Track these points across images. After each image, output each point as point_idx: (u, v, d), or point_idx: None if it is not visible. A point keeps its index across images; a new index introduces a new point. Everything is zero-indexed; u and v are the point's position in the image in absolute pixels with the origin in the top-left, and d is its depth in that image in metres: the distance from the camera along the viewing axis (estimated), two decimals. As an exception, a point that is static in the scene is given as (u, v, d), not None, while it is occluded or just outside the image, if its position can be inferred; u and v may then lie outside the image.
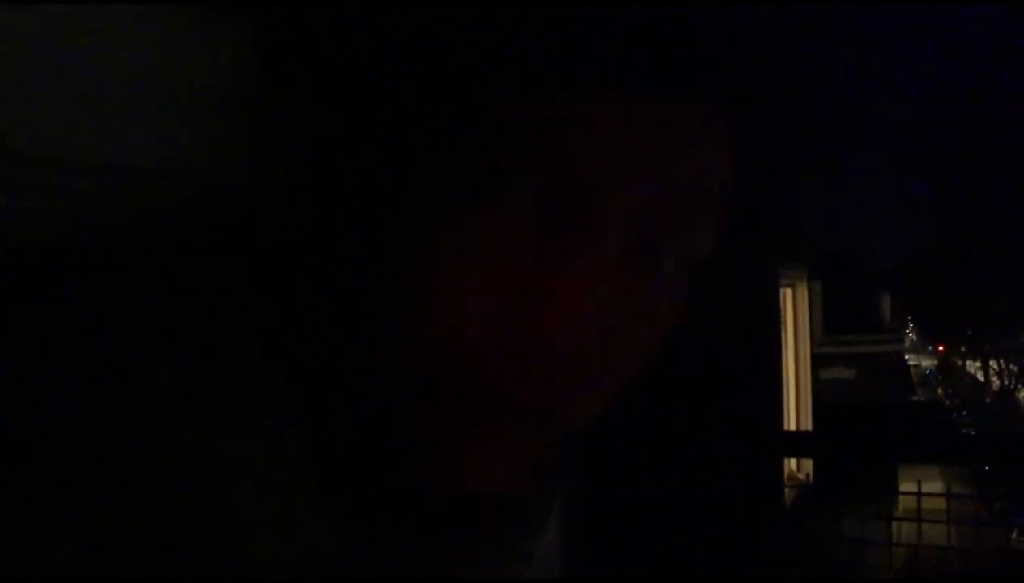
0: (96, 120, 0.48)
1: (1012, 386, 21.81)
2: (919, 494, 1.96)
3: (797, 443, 2.27)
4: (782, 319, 4.53)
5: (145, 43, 0.49)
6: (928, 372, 26.47)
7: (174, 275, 0.40)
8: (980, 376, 24.05)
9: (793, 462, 4.09)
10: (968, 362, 25.26)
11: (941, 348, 26.09)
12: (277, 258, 0.43)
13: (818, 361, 6.69)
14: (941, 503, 2.16)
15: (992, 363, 22.72)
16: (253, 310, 0.41)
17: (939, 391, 23.44)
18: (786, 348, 4.89)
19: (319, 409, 0.41)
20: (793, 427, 4.54)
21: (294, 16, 0.43)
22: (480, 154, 0.37)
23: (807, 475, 3.31)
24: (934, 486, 2.41)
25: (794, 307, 5.14)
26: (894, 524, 2.24)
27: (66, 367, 0.37)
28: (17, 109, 0.45)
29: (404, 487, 0.41)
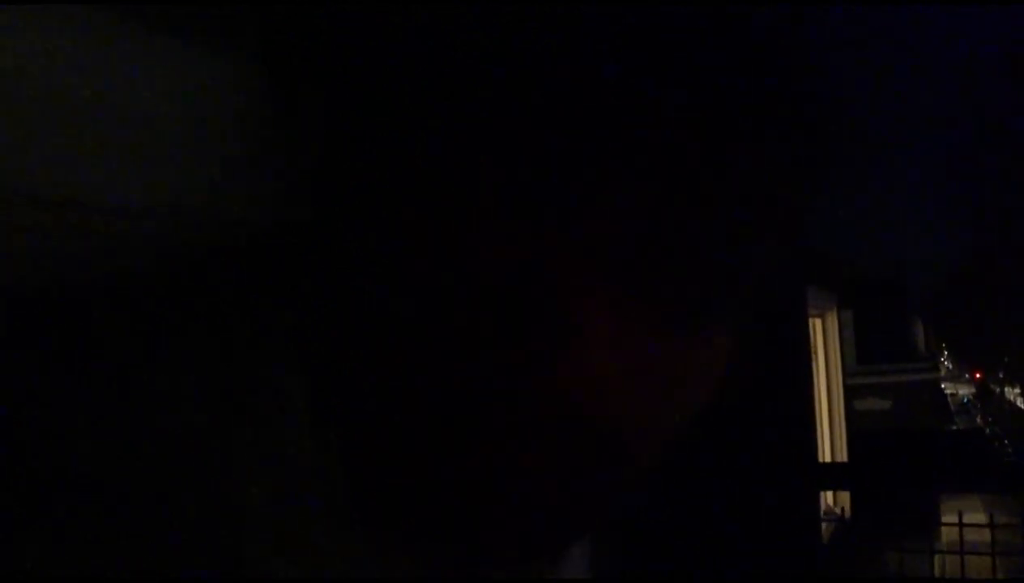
0: (105, 162, 0.48)
1: (1054, 412, 21.38)
2: (960, 525, 1.90)
3: (832, 475, 2.23)
4: (812, 349, 4.48)
5: (156, 81, 0.49)
6: (966, 400, 26.07)
7: (193, 301, 0.41)
8: (1020, 403, 23.62)
9: (830, 497, 4.02)
10: (1007, 388, 24.84)
11: (978, 375, 25.69)
12: (298, 277, 0.42)
13: (852, 392, 6.59)
14: (985, 534, 2.10)
15: (1032, 389, 22.32)
16: (269, 323, 0.41)
17: (978, 419, 23.02)
18: (818, 379, 4.83)
19: (336, 422, 0.40)
20: (828, 460, 4.46)
21: (308, 57, 0.43)
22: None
23: (843, 509, 3.24)
24: (977, 517, 2.34)
25: (824, 337, 5.07)
26: (937, 557, 2.18)
27: (84, 382, 0.37)
28: (29, 151, 0.45)
29: (420, 496, 0.40)
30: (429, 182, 0.38)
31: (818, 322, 5.02)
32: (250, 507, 0.38)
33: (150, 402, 0.37)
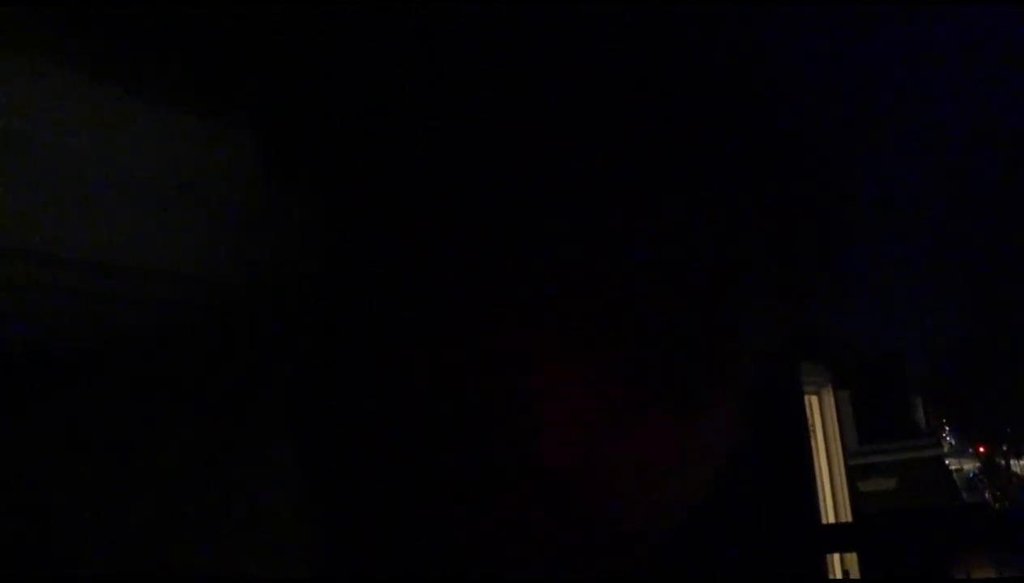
0: (105, 221, 0.51)
1: (1063, 482, 21.23)
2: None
3: (836, 537, 2.24)
4: (811, 427, 4.46)
5: (156, 148, 0.52)
6: (972, 475, 25.87)
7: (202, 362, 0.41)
8: (1027, 474, 23.48)
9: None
10: (1013, 461, 24.71)
11: (982, 449, 25.59)
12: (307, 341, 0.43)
13: (856, 473, 6.56)
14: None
15: (1038, 460, 22.23)
16: (270, 380, 0.41)
17: (986, 494, 22.79)
18: (818, 458, 4.78)
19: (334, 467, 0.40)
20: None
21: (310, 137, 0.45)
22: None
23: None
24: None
25: (822, 415, 5.04)
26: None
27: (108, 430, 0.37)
28: (32, 210, 0.47)
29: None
30: (431, 263, 0.39)
31: (814, 399, 5.00)
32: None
33: (141, 464, 0.37)
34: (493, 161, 0.38)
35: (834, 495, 5.10)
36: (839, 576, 3.55)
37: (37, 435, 0.37)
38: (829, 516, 4.66)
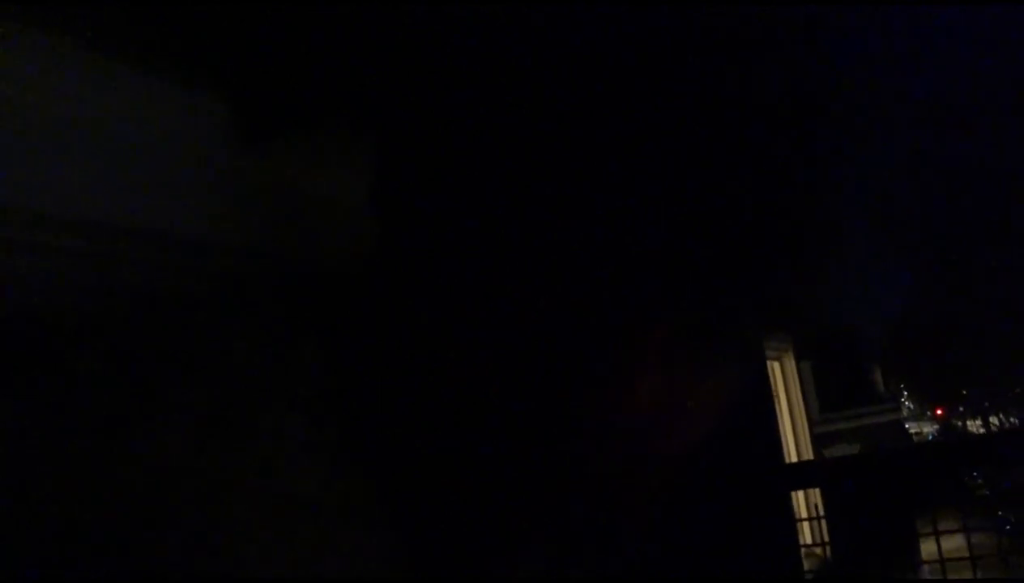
0: (100, 182, 0.50)
1: (1017, 439, 21.57)
2: (936, 533, 1.94)
3: (801, 474, 2.31)
4: (775, 392, 4.53)
5: (143, 113, 0.52)
6: (931, 437, 26.22)
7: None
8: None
9: (809, 536, 4.01)
10: (969, 422, 25.11)
11: (940, 412, 25.96)
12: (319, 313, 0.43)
13: (820, 440, 6.65)
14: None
15: (992, 419, 22.62)
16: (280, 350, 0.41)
17: (946, 455, 23.03)
18: (783, 422, 4.86)
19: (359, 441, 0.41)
20: (802, 505, 4.47)
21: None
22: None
23: (824, 546, 3.25)
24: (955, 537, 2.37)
25: (785, 381, 5.12)
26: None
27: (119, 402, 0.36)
28: (27, 170, 0.47)
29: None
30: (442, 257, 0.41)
31: (776, 365, 5.08)
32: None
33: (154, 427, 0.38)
34: (496, 156, 0.42)
35: (800, 459, 5.18)
36: (807, 514, 3.64)
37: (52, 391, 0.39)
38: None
